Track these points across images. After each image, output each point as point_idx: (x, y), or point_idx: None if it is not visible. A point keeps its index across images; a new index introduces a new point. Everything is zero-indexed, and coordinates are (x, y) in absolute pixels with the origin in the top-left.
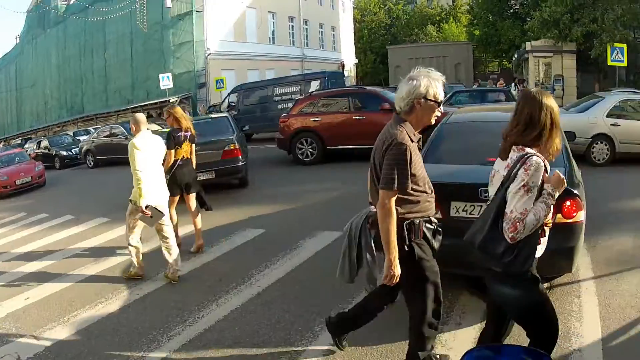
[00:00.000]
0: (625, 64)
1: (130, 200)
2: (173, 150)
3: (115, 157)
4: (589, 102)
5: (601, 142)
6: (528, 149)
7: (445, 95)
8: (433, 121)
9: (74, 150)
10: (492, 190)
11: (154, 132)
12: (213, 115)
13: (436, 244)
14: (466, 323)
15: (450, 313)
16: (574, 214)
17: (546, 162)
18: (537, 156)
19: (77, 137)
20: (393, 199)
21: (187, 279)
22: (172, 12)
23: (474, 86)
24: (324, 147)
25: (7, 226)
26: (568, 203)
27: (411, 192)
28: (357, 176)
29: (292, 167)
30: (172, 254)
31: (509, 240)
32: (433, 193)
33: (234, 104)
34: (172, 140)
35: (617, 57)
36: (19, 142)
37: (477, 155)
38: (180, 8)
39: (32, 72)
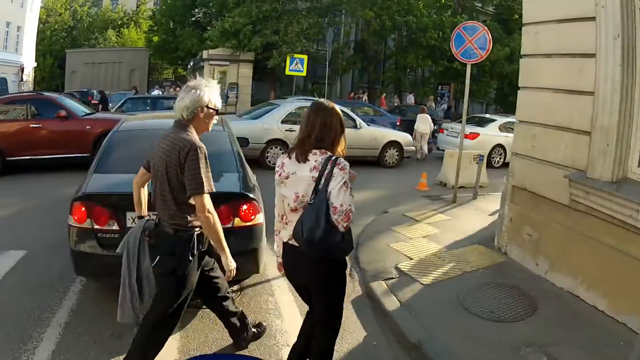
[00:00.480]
0: (304, 73)
1: None
2: None
3: None
4: (264, 109)
5: (276, 147)
6: (329, 152)
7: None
8: (210, 128)
9: None
10: (285, 191)
11: None
12: None
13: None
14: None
15: None
16: (252, 217)
17: None
18: (340, 158)
19: None
20: (210, 201)
21: None
22: None
23: (154, 93)
24: (3, 158)
25: None
26: (245, 207)
27: None
28: (38, 187)
29: None
30: None
31: (342, 230)
32: None
33: None
34: None
35: (297, 67)
36: None
37: None
38: None
39: None
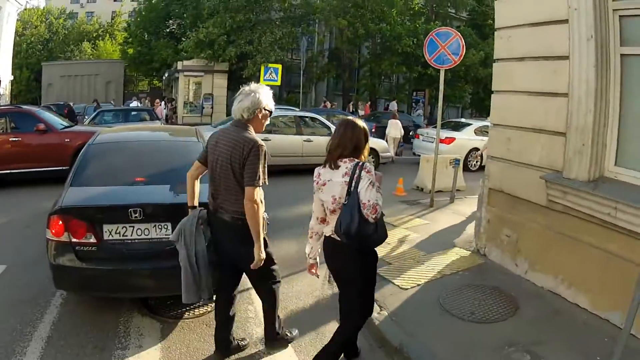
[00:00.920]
0: (279, 83)
1: None
2: None
3: None
4: None
5: None
6: (355, 159)
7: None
8: (263, 128)
9: None
10: (323, 196)
11: None
12: None
13: None
14: (147, 345)
15: (128, 337)
16: None
17: None
18: (366, 162)
19: None
20: (260, 194)
21: None
22: None
23: (132, 104)
24: None
25: None
26: None
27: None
28: (16, 202)
29: None
30: None
31: (372, 221)
32: None
33: None
34: None
35: (271, 76)
36: None
37: (124, 175)
38: None
39: None
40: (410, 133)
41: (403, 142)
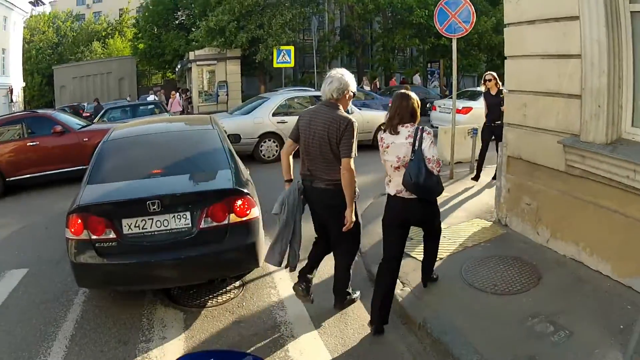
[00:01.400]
0: (292, 64)
1: None
2: None
3: None
4: (254, 104)
5: (269, 140)
6: (414, 124)
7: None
8: (348, 107)
9: None
10: (387, 157)
11: None
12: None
13: None
14: (170, 336)
15: (152, 329)
16: (248, 212)
17: None
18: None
19: None
20: (353, 163)
21: None
22: None
23: (149, 98)
24: (4, 179)
25: None
26: (239, 202)
27: None
28: (37, 204)
29: None
30: None
31: (436, 173)
32: None
33: None
34: None
35: (284, 58)
36: None
37: (141, 169)
38: None
39: None
40: (427, 105)
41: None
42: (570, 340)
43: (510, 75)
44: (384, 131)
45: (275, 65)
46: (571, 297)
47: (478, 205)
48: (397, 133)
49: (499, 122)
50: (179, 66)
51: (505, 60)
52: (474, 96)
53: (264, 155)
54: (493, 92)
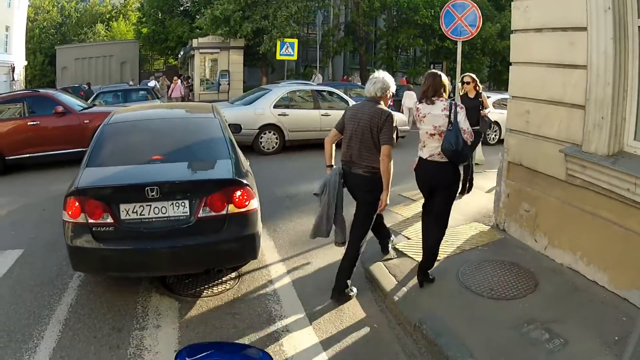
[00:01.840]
0: (295, 57)
1: None
2: None
3: None
4: (256, 95)
5: (270, 132)
6: (448, 99)
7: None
8: (388, 104)
9: None
10: (424, 126)
11: None
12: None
13: None
14: (164, 324)
15: (146, 317)
16: (247, 203)
17: None
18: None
19: None
20: (391, 151)
21: None
22: None
23: (150, 84)
24: (3, 158)
25: None
26: (238, 193)
27: None
28: (35, 185)
29: None
30: None
31: (468, 143)
32: None
33: None
34: None
35: (287, 51)
36: None
37: (141, 154)
38: None
39: None
40: None
41: None
42: (565, 348)
43: (515, 82)
44: (419, 101)
45: (278, 57)
46: (567, 306)
47: (476, 209)
48: (433, 103)
49: (477, 127)
50: (181, 53)
51: (510, 67)
52: None
53: (263, 147)
54: (471, 95)
